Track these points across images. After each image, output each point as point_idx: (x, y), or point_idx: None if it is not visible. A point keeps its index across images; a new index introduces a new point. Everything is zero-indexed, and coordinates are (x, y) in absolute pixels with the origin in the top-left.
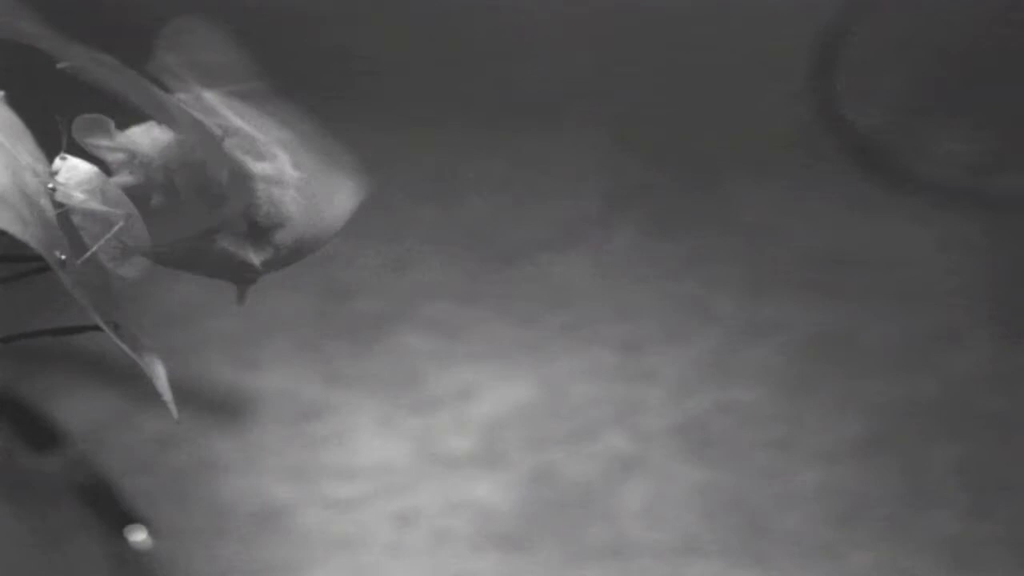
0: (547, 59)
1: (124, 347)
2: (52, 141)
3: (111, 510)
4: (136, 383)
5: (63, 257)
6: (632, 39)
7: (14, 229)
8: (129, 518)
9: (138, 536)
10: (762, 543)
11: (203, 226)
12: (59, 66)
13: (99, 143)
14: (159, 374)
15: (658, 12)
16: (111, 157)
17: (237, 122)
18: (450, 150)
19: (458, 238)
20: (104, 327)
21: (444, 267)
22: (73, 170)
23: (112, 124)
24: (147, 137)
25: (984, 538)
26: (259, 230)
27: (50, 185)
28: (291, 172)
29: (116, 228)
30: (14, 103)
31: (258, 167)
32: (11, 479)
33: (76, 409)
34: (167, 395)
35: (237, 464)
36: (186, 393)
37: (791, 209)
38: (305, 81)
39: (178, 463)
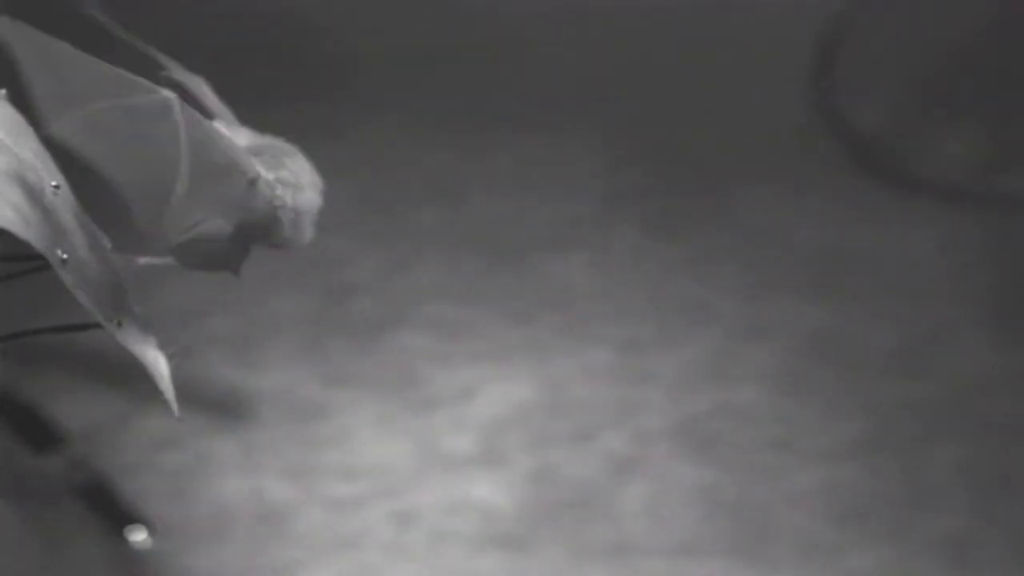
0: (547, 60)
1: (126, 345)
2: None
3: (111, 510)
4: (136, 383)
5: (64, 256)
6: (632, 39)
7: (16, 228)
8: (129, 518)
9: (138, 536)
10: (762, 543)
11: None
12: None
13: None
14: (162, 371)
15: (658, 12)
16: None
17: (257, 140)
18: (450, 150)
19: (458, 238)
20: (106, 325)
21: (444, 267)
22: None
23: None
24: None
25: (984, 538)
26: (278, 237)
27: None
28: (308, 175)
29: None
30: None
31: (281, 175)
32: (11, 479)
33: (76, 409)
34: (169, 392)
35: (237, 464)
36: (186, 393)
37: (791, 209)
38: (308, 84)
39: (178, 463)
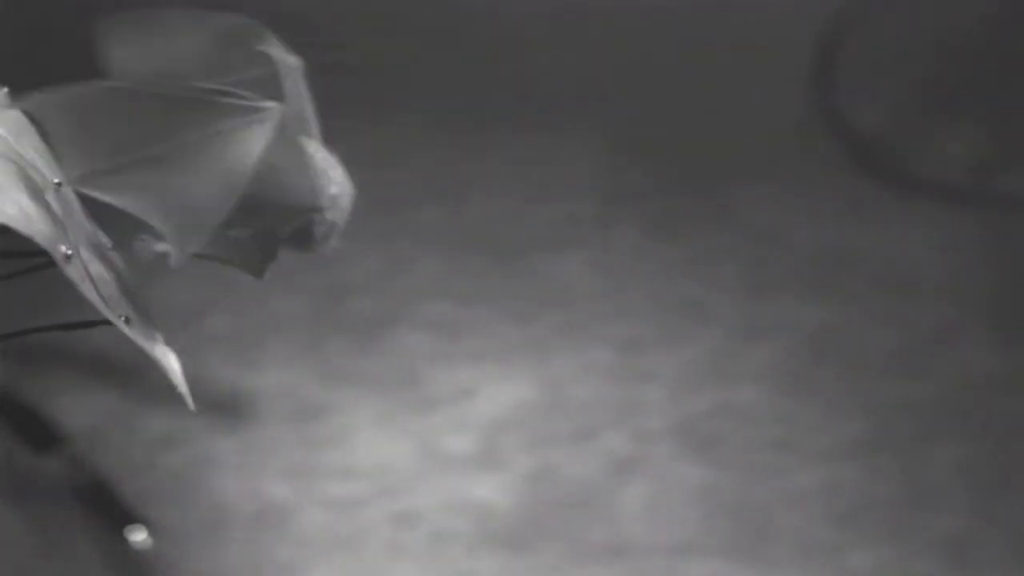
0: (547, 59)
1: (136, 341)
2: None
3: (111, 510)
4: (136, 383)
5: (68, 252)
6: (632, 39)
7: (19, 224)
8: (129, 518)
9: (138, 536)
10: (762, 543)
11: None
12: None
13: None
14: (173, 366)
15: (658, 12)
16: None
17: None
18: (450, 150)
19: (458, 238)
20: (115, 321)
21: (444, 267)
22: None
23: None
24: None
25: (984, 538)
26: (307, 245)
27: (56, 181)
28: (346, 187)
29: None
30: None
31: (331, 191)
32: (11, 479)
33: (76, 409)
34: (183, 386)
35: (237, 464)
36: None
37: (791, 209)
38: (307, 83)
39: (178, 463)
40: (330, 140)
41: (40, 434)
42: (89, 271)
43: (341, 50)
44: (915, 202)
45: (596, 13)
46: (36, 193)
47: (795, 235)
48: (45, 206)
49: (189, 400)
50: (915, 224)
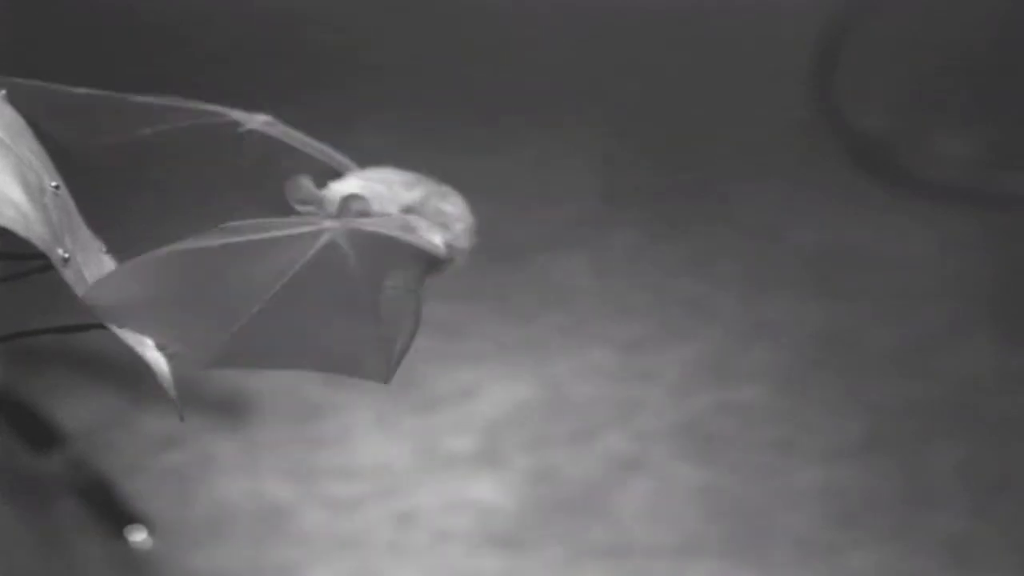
0: (547, 59)
1: (128, 344)
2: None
3: (111, 510)
4: (136, 383)
5: (65, 255)
6: (632, 39)
7: (17, 227)
8: (129, 518)
9: (138, 536)
10: (762, 543)
11: None
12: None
13: (303, 200)
14: (163, 371)
15: (658, 12)
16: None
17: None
18: (450, 150)
19: None
20: (108, 324)
21: None
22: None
23: (311, 182)
24: (338, 189)
25: (984, 538)
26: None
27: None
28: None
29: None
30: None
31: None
32: (11, 479)
33: (76, 409)
34: (172, 392)
35: (237, 464)
36: (186, 393)
37: (791, 209)
38: (307, 83)
39: (178, 463)
40: (330, 140)
41: (40, 434)
42: (84, 274)
43: (340, 49)
44: (915, 202)
45: (596, 13)
46: (34, 196)
47: (795, 234)
48: (43, 209)
49: (179, 406)
50: (915, 224)
